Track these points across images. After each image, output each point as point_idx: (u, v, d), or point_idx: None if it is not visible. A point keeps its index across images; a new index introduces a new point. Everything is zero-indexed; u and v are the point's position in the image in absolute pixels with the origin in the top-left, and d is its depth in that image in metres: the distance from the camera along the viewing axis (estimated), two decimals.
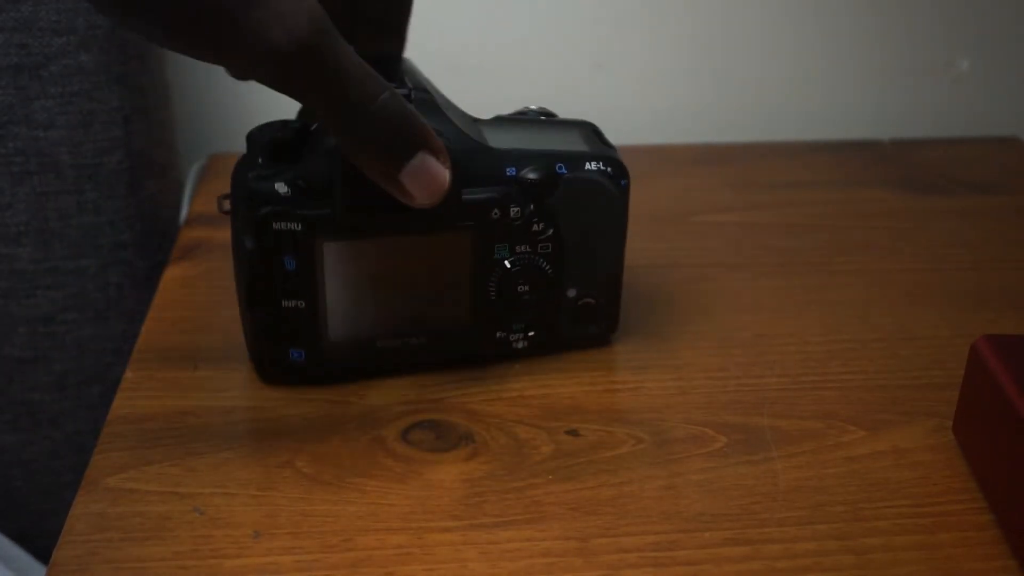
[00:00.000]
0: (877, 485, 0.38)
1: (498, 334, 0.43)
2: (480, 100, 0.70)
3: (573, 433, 0.41)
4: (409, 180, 0.36)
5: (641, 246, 0.55)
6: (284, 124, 0.40)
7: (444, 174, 0.36)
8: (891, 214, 0.60)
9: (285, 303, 0.40)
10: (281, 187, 0.38)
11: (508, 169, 0.40)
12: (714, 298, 0.50)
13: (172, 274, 0.51)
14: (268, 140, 0.39)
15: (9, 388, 0.58)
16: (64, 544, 0.35)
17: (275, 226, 0.39)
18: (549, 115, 0.45)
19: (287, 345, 0.41)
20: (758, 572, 0.34)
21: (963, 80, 0.73)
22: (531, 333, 0.44)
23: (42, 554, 0.61)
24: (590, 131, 0.44)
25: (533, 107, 0.46)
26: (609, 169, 0.42)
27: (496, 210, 0.40)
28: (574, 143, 0.43)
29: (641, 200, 0.61)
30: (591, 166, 0.42)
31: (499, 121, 0.43)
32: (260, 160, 0.39)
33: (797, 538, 0.36)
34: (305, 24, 0.32)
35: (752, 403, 0.43)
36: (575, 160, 0.42)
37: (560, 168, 0.41)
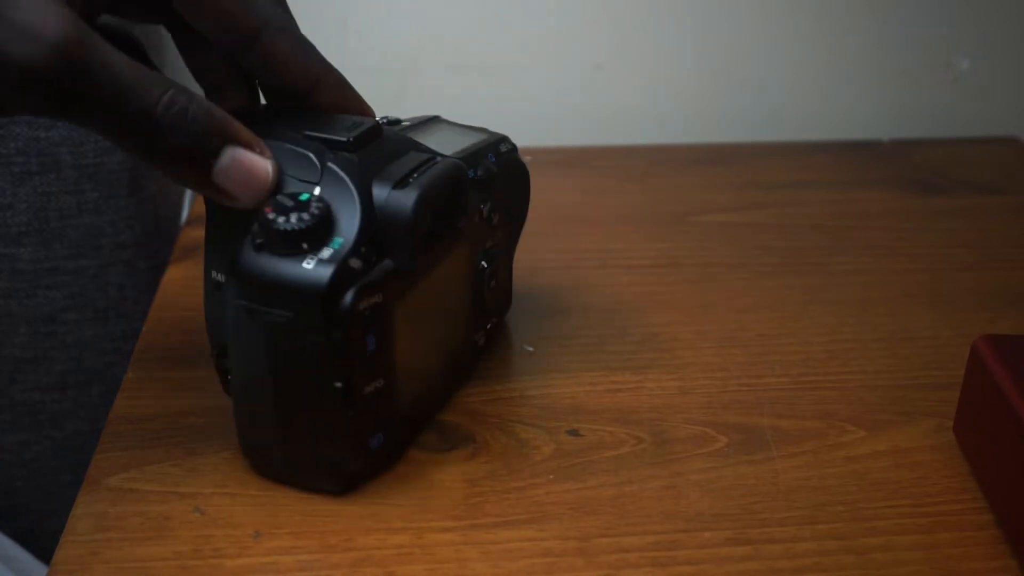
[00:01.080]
0: (877, 485, 0.38)
1: (474, 337, 0.43)
2: (480, 100, 0.71)
3: (574, 433, 0.41)
4: (224, 180, 0.33)
5: (640, 246, 0.55)
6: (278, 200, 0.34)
7: (263, 164, 0.33)
8: (891, 214, 0.60)
9: (367, 389, 0.35)
10: (354, 262, 0.34)
11: (469, 172, 0.40)
12: (714, 298, 0.50)
13: (172, 274, 0.51)
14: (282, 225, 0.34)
15: (10, 388, 0.58)
16: (65, 544, 0.35)
17: (361, 307, 0.34)
18: (396, 121, 0.42)
19: (367, 435, 0.36)
20: (758, 572, 0.34)
21: (963, 80, 0.73)
22: (488, 326, 0.44)
23: (43, 554, 0.61)
24: (450, 122, 0.44)
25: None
26: (512, 147, 0.43)
27: (477, 214, 0.41)
28: (468, 134, 0.43)
29: (641, 200, 0.61)
30: (503, 148, 0.43)
31: (409, 131, 0.41)
32: (276, 247, 0.34)
33: (797, 538, 0.36)
34: (53, 34, 0.29)
35: (752, 403, 0.43)
36: (493, 147, 0.42)
37: (491, 158, 0.42)
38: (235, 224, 0.34)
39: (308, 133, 0.35)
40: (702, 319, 0.48)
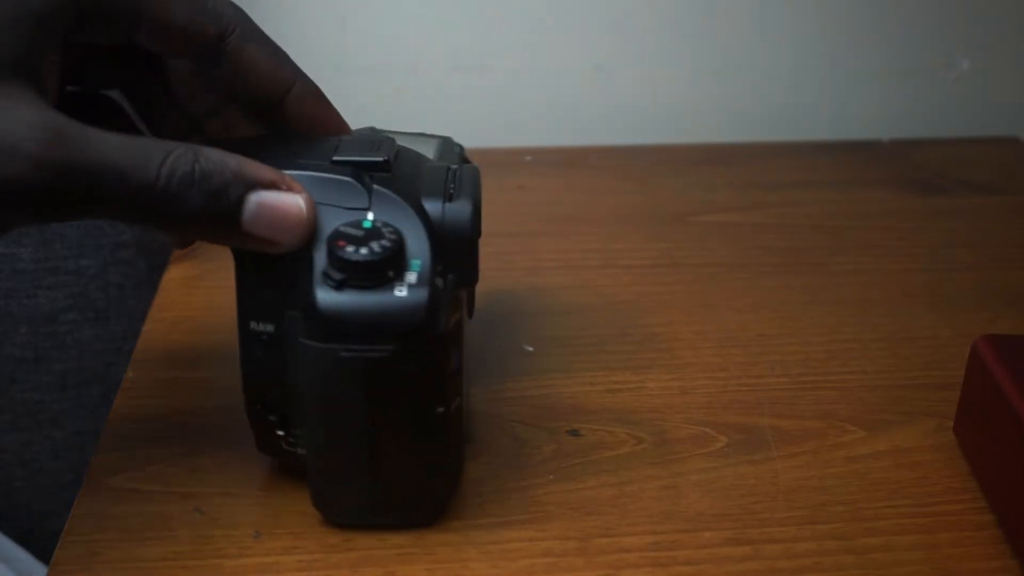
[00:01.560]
0: (877, 485, 0.38)
1: None
2: (480, 100, 0.71)
3: (574, 433, 0.41)
4: (258, 229, 0.30)
5: (640, 246, 0.55)
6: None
7: (293, 201, 0.31)
8: (891, 214, 0.60)
9: (452, 408, 0.34)
10: (438, 281, 0.33)
11: None
12: (714, 298, 0.50)
13: (172, 274, 0.51)
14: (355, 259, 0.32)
15: (10, 388, 0.58)
16: (65, 544, 0.35)
17: (451, 324, 0.33)
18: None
19: (456, 457, 0.36)
20: (759, 572, 0.34)
21: (963, 80, 0.73)
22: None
23: (43, 554, 0.61)
24: (386, 131, 0.42)
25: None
26: (460, 147, 0.42)
27: None
28: (420, 139, 0.41)
29: (641, 200, 0.61)
30: (457, 148, 0.41)
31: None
32: (360, 280, 0.32)
33: (797, 538, 0.36)
34: (30, 145, 0.27)
35: (752, 403, 0.43)
36: (450, 147, 0.41)
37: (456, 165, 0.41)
38: (270, 268, 0.33)
39: (336, 159, 0.34)
40: (702, 319, 0.48)
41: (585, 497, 0.37)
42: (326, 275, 0.31)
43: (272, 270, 0.32)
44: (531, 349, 0.46)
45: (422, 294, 0.32)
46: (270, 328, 0.33)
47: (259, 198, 0.30)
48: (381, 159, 0.34)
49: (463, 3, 0.68)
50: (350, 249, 0.31)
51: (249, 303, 0.34)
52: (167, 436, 0.40)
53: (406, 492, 0.35)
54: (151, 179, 0.28)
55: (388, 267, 0.31)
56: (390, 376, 0.32)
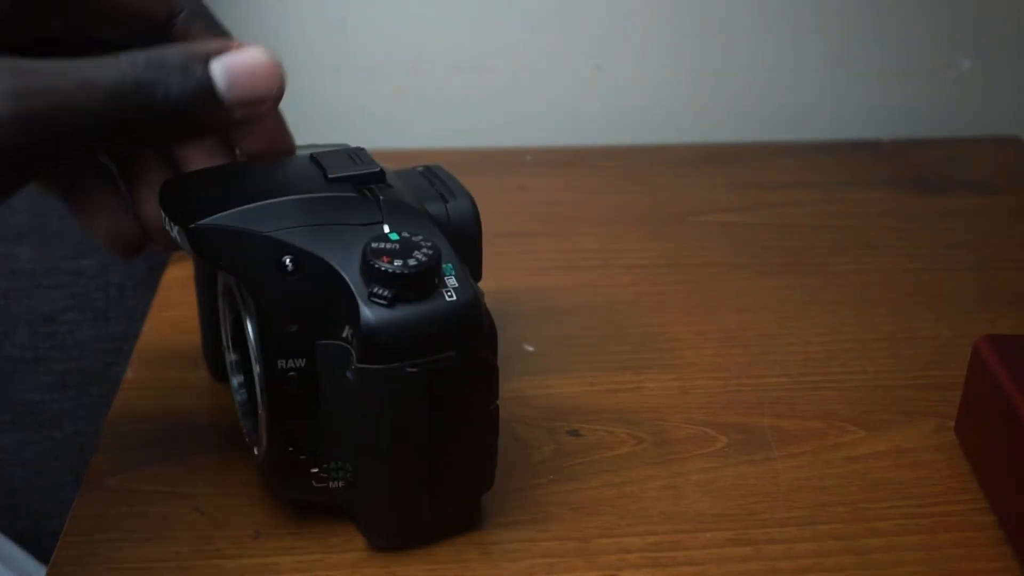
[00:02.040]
0: (878, 485, 0.38)
1: None
2: (480, 100, 0.71)
3: (574, 433, 0.41)
4: (238, 92, 0.29)
5: (640, 246, 0.55)
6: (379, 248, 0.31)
7: (251, 52, 0.29)
8: (891, 214, 0.60)
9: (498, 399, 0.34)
10: (473, 280, 0.33)
11: None
12: (714, 298, 0.50)
13: (172, 274, 0.51)
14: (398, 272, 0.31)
15: (9, 388, 0.58)
16: (64, 544, 0.35)
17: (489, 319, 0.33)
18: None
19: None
20: (759, 572, 0.34)
21: (963, 80, 0.73)
22: None
23: (42, 554, 0.61)
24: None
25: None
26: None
27: None
28: (335, 148, 0.38)
29: (641, 200, 0.61)
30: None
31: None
32: (411, 293, 0.31)
33: (798, 538, 0.36)
34: None
35: (753, 403, 0.43)
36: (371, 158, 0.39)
37: None
38: (294, 303, 0.32)
39: (333, 176, 0.33)
40: (702, 319, 0.48)
41: (585, 497, 0.37)
42: (374, 294, 0.31)
43: (295, 306, 0.32)
44: (531, 349, 0.46)
45: (470, 294, 0.31)
46: (300, 363, 0.32)
47: (221, 64, 0.28)
48: (376, 170, 0.34)
49: (463, 3, 0.68)
50: (398, 263, 0.30)
51: (273, 342, 0.32)
52: (167, 436, 0.40)
53: (461, 497, 0.35)
54: (117, 73, 0.27)
55: (434, 275, 0.31)
56: (452, 382, 0.32)
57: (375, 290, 0.30)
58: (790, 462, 0.39)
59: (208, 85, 0.28)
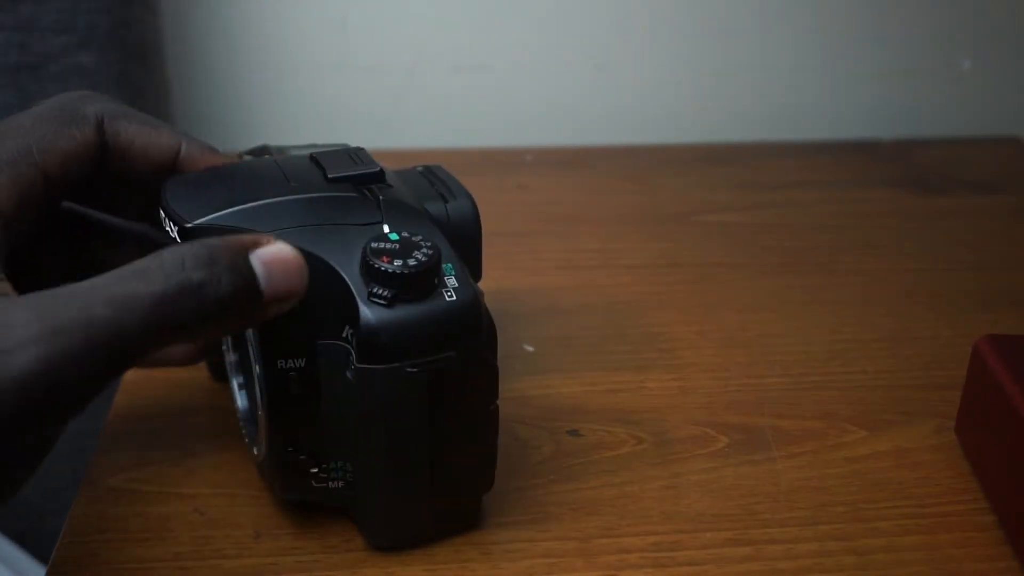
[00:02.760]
0: (879, 485, 0.38)
1: None
2: (480, 100, 0.71)
3: (574, 433, 0.41)
4: (276, 286, 0.28)
5: (640, 246, 0.55)
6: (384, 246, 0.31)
7: (280, 247, 0.29)
8: (891, 214, 0.60)
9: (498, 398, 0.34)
10: (472, 280, 0.33)
11: None
12: (715, 298, 0.50)
13: None
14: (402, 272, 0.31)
15: None
16: (64, 544, 0.35)
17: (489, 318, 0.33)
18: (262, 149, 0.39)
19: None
20: (759, 573, 0.34)
21: (964, 80, 0.73)
22: None
23: (41, 554, 0.60)
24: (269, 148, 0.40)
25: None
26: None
27: None
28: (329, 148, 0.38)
29: (641, 200, 0.61)
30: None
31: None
32: (411, 293, 0.31)
33: (798, 538, 0.36)
34: (17, 364, 0.24)
35: (753, 403, 0.43)
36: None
37: None
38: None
39: (332, 176, 0.33)
40: (702, 319, 0.48)
41: (585, 497, 0.37)
42: (373, 294, 0.30)
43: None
44: (531, 349, 0.46)
45: (469, 294, 0.31)
46: (300, 363, 0.32)
47: (258, 258, 0.28)
48: (376, 170, 0.33)
49: (463, 3, 0.68)
50: (397, 263, 0.30)
51: (273, 342, 0.32)
52: (167, 436, 0.40)
53: (462, 497, 0.35)
54: (162, 281, 0.26)
55: (433, 274, 0.31)
56: (452, 381, 0.31)
57: (375, 290, 0.30)
58: (790, 462, 0.39)
59: (253, 280, 0.28)
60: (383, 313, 0.30)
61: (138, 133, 0.33)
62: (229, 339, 0.37)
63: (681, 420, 0.41)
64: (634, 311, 0.49)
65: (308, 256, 0.30)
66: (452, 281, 0.31)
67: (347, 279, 0.31)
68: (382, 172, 0.34)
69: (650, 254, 0.54)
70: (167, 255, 0.27)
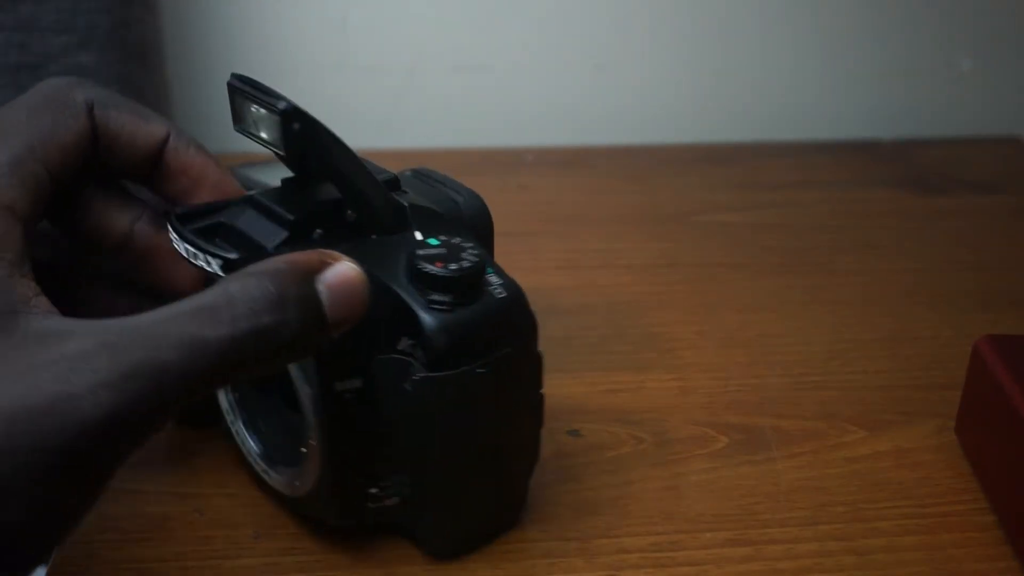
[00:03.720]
0: (879, 485, 0.38)
1: None
2: (480, 100, 0.71)
3: (574, 433, 0.41)
4: (339, 312, 0.27)
5: (640, 246, 0.55)
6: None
7: (344, 266, 0.27)
8: (891, 214, 0.59)
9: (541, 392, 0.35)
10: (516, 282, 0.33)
11: None
12: (715, 298, 0.50)
13: None
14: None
15: None
16: (64, 545, 0.35)
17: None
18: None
19: None
20: (760, 573, 0.34)
21: (964, 80, 0.73)
22: None
23: None
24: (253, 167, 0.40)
25: None
26: None
27: None
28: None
29: (641, 200, 0.61)
30: None
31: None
32: (469, 295, 0.31)
33: (799, 539, 0.36)
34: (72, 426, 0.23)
35: (753, 403, 0.43)
36: None
37: None
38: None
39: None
40: (702, 319, 0.48)
41: (585, 497, 0.37)
42: (434, 301, 0.30)
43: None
44: None
45: (515, 289, 0.32)
46: (358, 383, 0.31)
47: (324, 282, 0.26)
48: (392, 176, 0.33)
49: (463, 3, 0.68)
50: (452, 267, 0.30)
51: (330, 366, 0.31)
52: (167, 436, 0.40)
53: (516, 488, 0.35)
54: (230, 326, 0.24)
55: (483, 274, 0.31)
56: (511, 374, 0.32)
57: (434, 297, 0.30)
58: (790, 462, 0.39)
59: (319, 310, 0.26)
60: (446, 319, 0.30)
61: (128, 121, 0.32)
62: None
63: (681, 420, 0.41)
64: (634, 311, 0.49)
65: None
66: (495, 279, 0.32)
67: (398, 290, 0.31)
68: (397, 179, 0.33)
69: (650, 254, 0.54)
70: (235, 291, 0.25)
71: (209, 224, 0.31)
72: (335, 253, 0.27)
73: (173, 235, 0.31)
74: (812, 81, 0.72)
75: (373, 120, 0.69)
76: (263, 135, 0.31)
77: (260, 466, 0.35)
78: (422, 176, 0.37)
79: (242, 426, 0.36)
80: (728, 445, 0.40)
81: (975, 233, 0.57)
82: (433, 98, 0.70)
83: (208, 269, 0.30)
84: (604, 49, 0.70)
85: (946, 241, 0.56)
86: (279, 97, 0.30)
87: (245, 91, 0.31)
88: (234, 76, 0.32)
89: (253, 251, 0.30)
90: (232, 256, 0.30)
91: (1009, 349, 0.37)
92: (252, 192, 0.33)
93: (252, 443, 0.35)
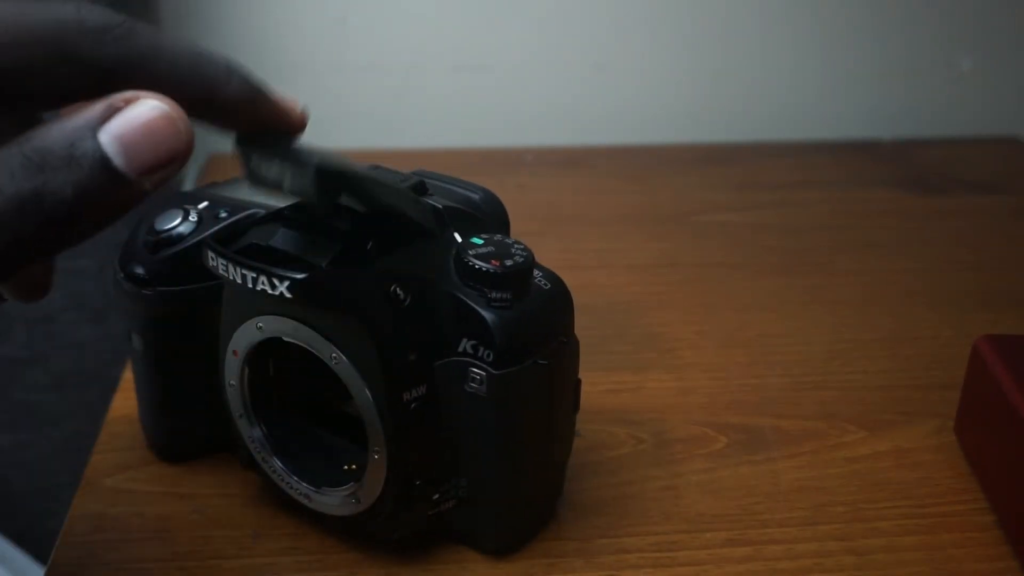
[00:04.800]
0: (878, 485, 0.38)
1: None
2: (480, 100, 0.71)
3: (574, 434, 0.40)
4: (140, 161, 0.24)
5: (640, 246, 0.55)
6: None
7: (146, 107, 0.24)
8: (891, 214, 0.59)
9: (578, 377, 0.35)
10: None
11: None
12: (715, 298, 0.50)
13: None
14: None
15: (8, 388, 0.58)
16: (63, 545, 0.35)
17: None
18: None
19: None
20: (759, 573, 0.34)
21: (964, 80, 0.73)
22: None
23: (41, 555, 0.60)
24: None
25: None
26: None
27: None
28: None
29: (641, 200, 0.61)
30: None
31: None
32: (527, 289, 0.32)
33: (798, 539, 0.36)
34: None
35: (753, 403, 0.43)
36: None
37: None
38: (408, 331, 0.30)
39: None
40: (702, 319, 0.48)
41: (585, 497, 0.37)
42: (495, 300, 0.30)
43: (412, 333, 0.30)
44: None
45: (557, 279, 0.32)
46: (422, 391, 0.31)
47: (109, 133, 0.24)
48: (419, 181, 0.33)
49: (463, 3, 0.68)
50: (508, 263, 0.31)
51: (396, 376, 0.30)
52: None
53: (558, 479, 0.36)
54: None
55: (533, 268, 0.32)
56: (564, 362, 0.33)
57: (494, 295, 0.30)
58: (790, 462, 0.39)
59: (104, 164, 0.23)
60: (509, 315, 0.30)
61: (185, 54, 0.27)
62: (248, 407, 0.34)
63: (681, 420, 0.41)
64: (634, 311, 0.49)
65: (412, 280, 0.30)
66: (536, 271, 0.32)
67: (455, 292, 0.31)
68: (424, 183, 0.33)
69: (650, 254, 0.54)
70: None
71: (244, 246, 0.30)
72: (133, 93, 0.24)
73: (220, 261, 0.29)
74: (812, 81, 0.72)
75: (373, 120, 0.69)
76: (286, 187, 0.29)
77: (300, 490, 0.34)
78: (428, 177, 0.37)
79: (275, 456, 0.34)
80: (728, 445, 0.40)
81: (975, 233, 0.57)
82: (433, 98, 0.70)
83: (271, 292, 0.29)
84: (604, 49, 0.70)
85: (946, 241, 0.56)
86: (301, 151, 0.29)
87: (264, 151, 0.29)
88: (239, 135, 0.29)
89: (306, 269, 0.29)
90: (299, 276, 0.28)
91: (1009, 349, 0.37)
92: (260, 211, 0.33)
93: (291, 468, 0.34)
